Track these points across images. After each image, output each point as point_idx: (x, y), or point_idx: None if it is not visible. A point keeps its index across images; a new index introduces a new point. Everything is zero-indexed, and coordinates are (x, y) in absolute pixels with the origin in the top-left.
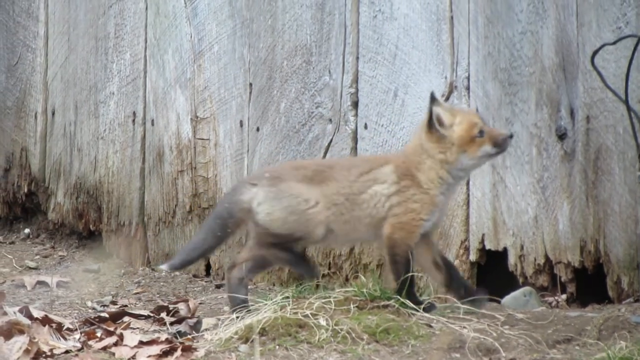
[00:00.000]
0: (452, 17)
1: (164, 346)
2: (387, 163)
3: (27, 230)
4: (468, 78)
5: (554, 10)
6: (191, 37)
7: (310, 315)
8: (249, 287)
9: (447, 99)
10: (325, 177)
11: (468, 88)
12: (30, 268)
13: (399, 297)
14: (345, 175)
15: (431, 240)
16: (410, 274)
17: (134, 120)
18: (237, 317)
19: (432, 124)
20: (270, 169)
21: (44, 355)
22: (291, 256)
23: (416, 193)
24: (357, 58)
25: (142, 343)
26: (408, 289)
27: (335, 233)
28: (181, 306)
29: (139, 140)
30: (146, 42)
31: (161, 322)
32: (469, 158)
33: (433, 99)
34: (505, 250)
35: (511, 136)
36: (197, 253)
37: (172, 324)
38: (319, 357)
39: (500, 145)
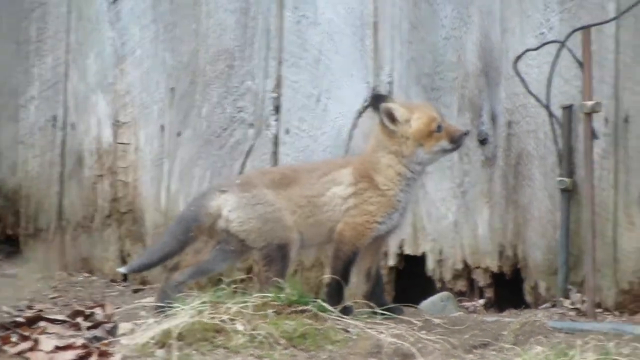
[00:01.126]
0: (376, 23)
1: (80, 351)
2: (346, 165)
3: None
4: (391, 83)
5: (478, 16)
6: (114, 41)
7: (227, 320)
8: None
9: (370, 104)
10: (290, 180)
11: (391, 93)
12: None
13: (326, 290)
14: (307, 177)
15: (381, 248)
16: (347, 274)
17: (54, 125)
18: (155, 322)
19: (382, 120)
20: (240, 176)
21: None
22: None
23: (373, 195)
24: (280, 63)
25: (57, 348)
26: (337, 288)
27: (304, 237)
28: (98, 311)
29: (58, 144)
30: (68, 46)
31: (77, 327)
32: (425, 152)
33: (380, 97)
34: (424, 255)
35: (467, 133)
36: (157, 257)
37: (88, 328)
38: None
39: (457, 141)
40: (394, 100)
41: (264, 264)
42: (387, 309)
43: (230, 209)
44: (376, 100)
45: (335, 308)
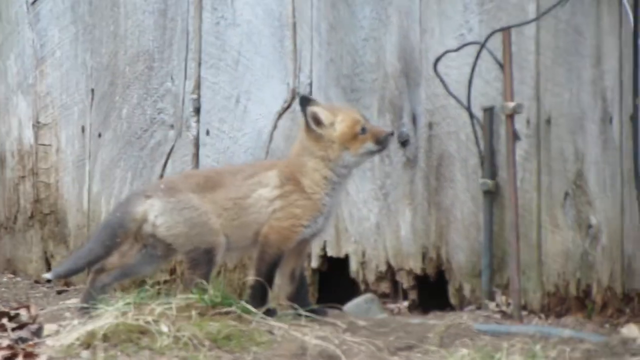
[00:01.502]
0: (294, 24)
1: (5, 352)
2: (273, 167)
3: None
4: (310, 84)
5: (397, 17)
6: (33, 42)
7: (151, 322)
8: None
9: (290, 105)
10: (214, 183)
11: (311, 94)
12: None
13: (249, 292)
14: (232, 180)
15: (305, 250)
16: (270, 277)
17: None
18: (79, 323)
19: (309, 124)
20: (164, 180)
21: None
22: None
23: (299, 198)
24: (200, 64)
25: None
26: (261, 290)
27: (229, 240)
28: (22, 312)
29: None
30: None
31: (2, 328)
32: (351, 155)
33: (307, 100)
34: (347, 257)
35: (392, 133)
36: (83, 262)
37: (13, 329)
38: None
39: (382, 142)
40: (318, 103)
41: (189, 266)
42: (311, 311)
43: (156, 214)
44: (302, 103)
45: (259, 310)
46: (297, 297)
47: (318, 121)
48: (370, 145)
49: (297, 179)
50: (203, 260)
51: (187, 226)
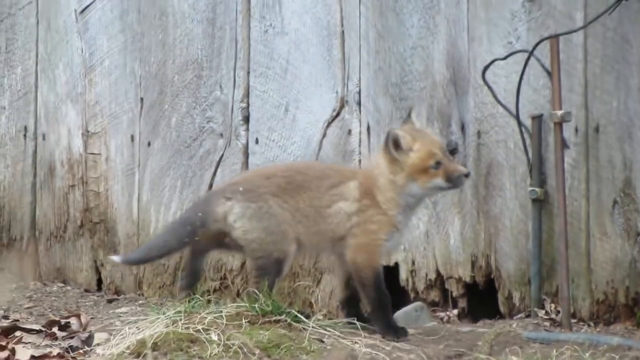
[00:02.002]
0: (343, 32)
1: None
2: (354, 178)
3: None
4: (359, 93)
5: (445, 25)
6: (82, 51)
7: (202, 330)
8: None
9: (339, 113)
10: (297, 186)
11: (359, 103)
12: None
13: (374, 320)
14: (317, 185)
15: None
16: (381, 294)
17: (25, 135)
18: (130, 332)
19: (387, 144)
20: (241, 181)
21: None
22: None
23: (375, 214)
24: (248, 73)
25: (34, 357)
26: (384, 313)
27: (304, 245)
28: (73, 321)
29: (30, 154)
30: (37, 56)
31: (53, 336)
32: (418, 187)
33: (408, 118)
34: (396, 265)
35: (467, 175)
36: (156, 253)
37: (64, 338)
38: None
39: (454, 181)
40: (409, 124)
41: (256, 274)
42: (364, 319)
43: (235, 217)
44: (406, 119)
45: (396, 336)
46: (351, 303)
47: (397, 144)
48: (439, 181)
49: (373, 193)
50: (272, 269)
51: (265, 233)
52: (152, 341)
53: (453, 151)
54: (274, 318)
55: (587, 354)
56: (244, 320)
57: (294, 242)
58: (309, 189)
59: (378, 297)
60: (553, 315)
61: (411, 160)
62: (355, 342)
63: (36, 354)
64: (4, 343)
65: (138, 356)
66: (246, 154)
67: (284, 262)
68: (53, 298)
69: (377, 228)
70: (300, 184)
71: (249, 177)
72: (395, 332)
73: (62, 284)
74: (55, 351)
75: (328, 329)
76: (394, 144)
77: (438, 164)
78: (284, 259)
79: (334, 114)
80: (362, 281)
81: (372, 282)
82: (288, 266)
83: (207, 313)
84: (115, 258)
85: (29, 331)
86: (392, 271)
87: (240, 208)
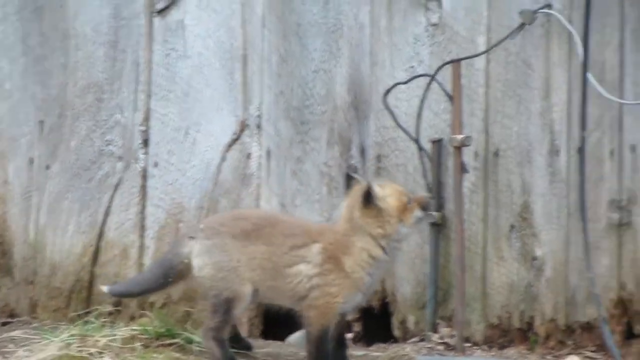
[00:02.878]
0: (245, 56)
1: None
2: (319, 240)
3: None
4: (260, 116)
5: (348, 49)
6: None
7: (95, 354)
8: None
9: (239, 137)
10: (262, 236)
11: (259, 126)
12: None
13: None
14: (281, 241)
15: (345, 317)
16: (322, 353)
17: None
18: (23, 355)
19: (371, 200)
20: (208, 220)
21: None
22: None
23: (336, 278)
24: (149, 96)
25: None
26: None
27: (260, 294)
28: None
29: None
30: None
31: None
32: (405, 227)
33: (351, 178)
34: None
35: (432, 197)
36: (138, 289)
37: None
38: None
39: (427, 207)
40: (360, 180)
41: (209, 313)
42: None
43: (195, 255)
44: (348, 181)
45: None
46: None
47: (372, 198)
48: (418, 213)
49: (338, 257)
50: (221, 308)
51: (215, 269)
52: None
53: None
54: (168, 341)
55: None
56: (138, 344)
57: (248, 285)
58: (272, 243)
59: (317, 355)
60: (447, 339)
61: (393, 204)
62: None
63: None
64: None
65: None
66: (145, 177)
67: (234, 302)
68: None
69: (337, 291)
70: (265, 235)
71: (219, 216)
72: None
73: None
74: None
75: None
76: (368, 198)
77: (409, 198)
78: (234, 299)
79: (234, 137)
80: (307, 335)
81: (315, 339)
82: (241, 308)
83: (101, 336)
84: (104, 288)
85: None
86: None
87: (199, 246)
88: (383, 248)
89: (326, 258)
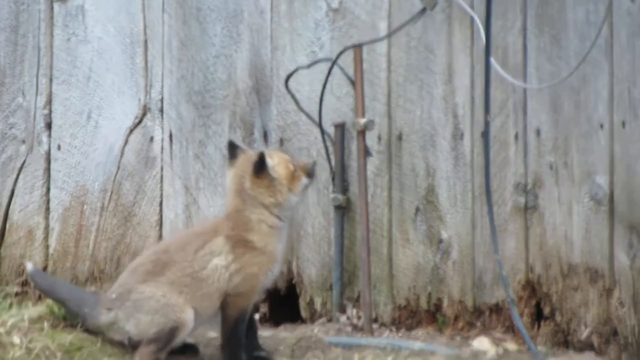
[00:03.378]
0: (146, 41)
1: None
2: (219, 233)
3: None
4: (162, 100)
5: (248, 34)
6: None
7: (3, 333)
8: None
9: (141, 121)
10: (164, 265)
11: (162, 110)
12: None
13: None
14: (182, 255)
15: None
16: (238, 336)
17: None
18: None
19: (264, 169)
20: (114, 289)
21: None
22: None
23: (252, 257)
24: (51, 80)
25: None
26: (233, 351)
27: (199, 312)
28: None
29: None
30: None
31: None
32: (294, 195)
33: (236, 146)
34: None
35: (315, 162)
36: (56, 295)
37: None
38: None
39: (312, 174)
40: (245, 149)
41: (146, 341)
42: (258, 357)
43: (123, 323)
44: (231, 150)
45: None
46: (248, 339)
47: (263, 167)
48: (304, 180)
49: (244, 238)
50: (163, 338)
51: (150, 315)
52: None
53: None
54: (76, 322)
55: (389, 359)
56: (46, 324)
57: (187, 307)
58: (175, 262)
59: (235, 335)
60: (355, 321)
61: (282, 173)
62: None
63: None
64: None
65: None
66: (48, 160)
67: (178, 330)
68: None
69: (258, 270)
70: (166, 261)
71: (119, 281)
72: None
73: None
74: None
75: None
76: (260, 167)
77: (295, 166)
78: (178, 327)
79: (137, 121)
80: (225, 318)
81: (234, 321)
82: (184, 334)
83: (9, 316)
84: (30, 266)
85: None
86: None
87: (123, 311)
88: (277, 217)
89: (233, 244)
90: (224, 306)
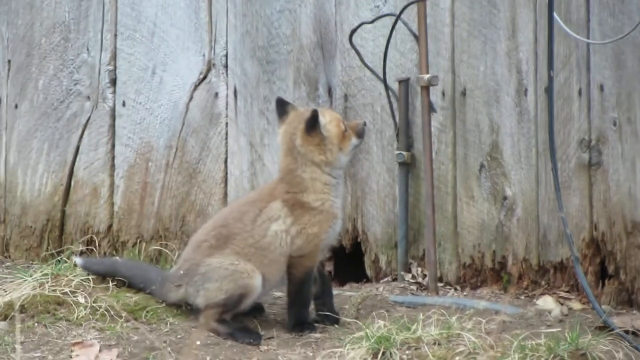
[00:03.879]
0: None
1: None
2: (274, 198)
3: None
4: (226, 56)
5: None
6: None
7: (69, 293)
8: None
9: (206, 76)
10: (226, 237)
11: (226, 66)
12: None
13: (288, 313)
14: (241, 226)
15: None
16: (306, 295)
17: None
18: None
19: (316, 127)
20: (179, 266)
21: None
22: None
23: (311, 217)
24: (116, 35)
25: None
26: (300, 310)
27: (267, 277)
28: None
29: None
30: None
31: None
32: (344, 154)
33: (285, 103)
34: None
35: (365, 123)
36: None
37: None
38: (78, 335)
39: (362, 134)
40: (295, 106)
41: (215, 308)
42: (326, 317)
43: (193, 299)
44: (280, 106)
45: (301, 331)
46: (324, 295)
47: (316, 125)
48: (354, 140)
49: (300, 200)
50: (231, 304)
51: (218, 281)
52: (19, 304)
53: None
54: None
55: (453, 318)
56: (110, 284)
57: (256, 273)
58: (236, 234)
59: (301, 294)
60: (420, 279)
61: (333, 131)
62: None
63: None
64: None
65: (5, 319)
66: (113, 117)
67: (246, 296)
68: None
69: (318, 229)
70: (226, 235)
71: (183, 257)
72: (302, 328)
73: None
74: None
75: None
76: (313, 125)
77: (345, 125)
78: (247, 293)
79: (201, 77)
80: (291, 278)
81: (300, 281)
82: (251, 300)
83: (74, 276)
84: (78, 260)
85: None
86: None
87: (192, 287)
88: (329, 174)
89: (291, 207)
90: (289, 267)
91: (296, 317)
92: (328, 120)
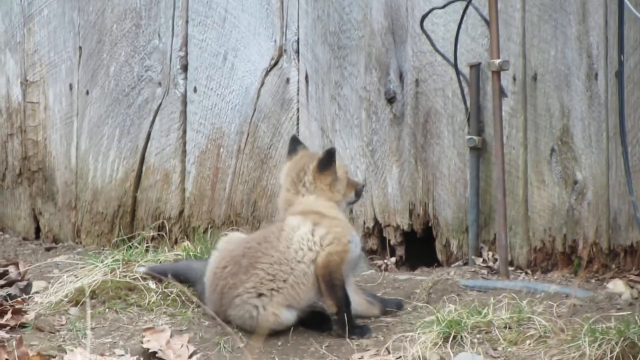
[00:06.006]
0: None
1: None
2: (287, 217)
3: None
4: (297, 42)
5: None
6: (21, 0)
7: (140, 278)
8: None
9: (277, 62)
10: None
11: (297, 52)
12: None
13: (339, 321)
14: (266, 245)
15: None
16: (347, 298)
17: None
18: (68, 280)
19: (331, 164)
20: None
21: None
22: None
23: (331, 220)
24: (187, 21)
25: None
26: (349, 314)
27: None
28: (11, 269)
29: None
30: None
31: None
32: (344, 201)
33: (297, 141)
34: None
35: (364, 185)
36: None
37: (2, 286)
38: (149, 320)
39: (360, 194)
40: (306, 147)
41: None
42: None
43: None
44: (293, 145)
45: (361, 335)
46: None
47: (334, 162)
48: (352, 195)
49: (314, 210)
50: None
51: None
52: (90, 289)
53: (391, 99)
54: None
55: (524, 302)
56: None
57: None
58: (262, 255)
59: (345, 297)
60: (490, 263)
61: (343, 175)
62: None
63: None
64: None
65: (76, 304)
66: (184, 103)
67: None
68: None
69: (342, 230)
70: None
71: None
72: (361, 331)
73: (0, 232)
74: None
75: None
76: (330, 163)
77: (348, 178)
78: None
79: (272, 62)
80: (332, 283)
81: (341, 283)
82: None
83: (145, 261)
84: (141, 268)
85: None
86: None
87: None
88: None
89: (306, 215)
90: (326, 271)
91: (347, 319)
92: (338, 164)
